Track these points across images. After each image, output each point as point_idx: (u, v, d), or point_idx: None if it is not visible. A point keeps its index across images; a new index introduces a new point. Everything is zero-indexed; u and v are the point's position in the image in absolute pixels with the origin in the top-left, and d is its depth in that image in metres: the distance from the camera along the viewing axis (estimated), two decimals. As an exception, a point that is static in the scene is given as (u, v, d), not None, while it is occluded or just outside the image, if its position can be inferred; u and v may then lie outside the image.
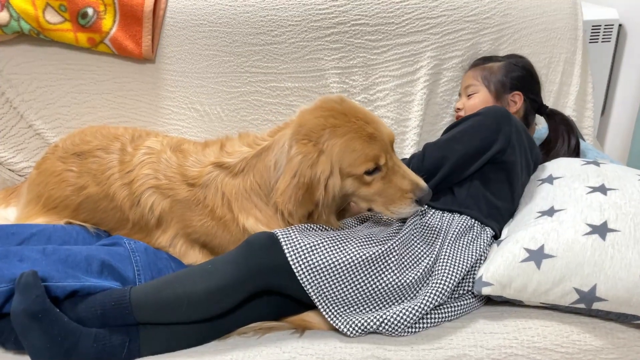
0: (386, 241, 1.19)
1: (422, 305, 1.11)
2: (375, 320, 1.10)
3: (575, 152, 1.61)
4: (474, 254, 1.23)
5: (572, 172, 1.38)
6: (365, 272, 1.13)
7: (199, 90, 1.78)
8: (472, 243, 1.25)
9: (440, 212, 1.32)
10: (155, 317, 1.10)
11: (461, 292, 1.20)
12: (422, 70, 1.85)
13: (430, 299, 1.12)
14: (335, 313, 1.12)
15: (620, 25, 2.33)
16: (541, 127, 1.77)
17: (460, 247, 1.23)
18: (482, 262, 1.24)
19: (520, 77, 1.64)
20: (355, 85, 1.84)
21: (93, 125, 1.74)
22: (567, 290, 1.12)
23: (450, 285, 1.15)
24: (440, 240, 1.24)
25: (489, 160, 1.33)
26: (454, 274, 1.16)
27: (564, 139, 1.60)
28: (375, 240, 1.19)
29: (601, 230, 1.15)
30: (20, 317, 1.01)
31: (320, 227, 1.26)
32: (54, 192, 1.40)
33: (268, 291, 1.15)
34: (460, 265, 1.18)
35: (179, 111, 1.79)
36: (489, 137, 1.33)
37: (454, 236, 1.25)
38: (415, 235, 1.24)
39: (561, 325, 1.14)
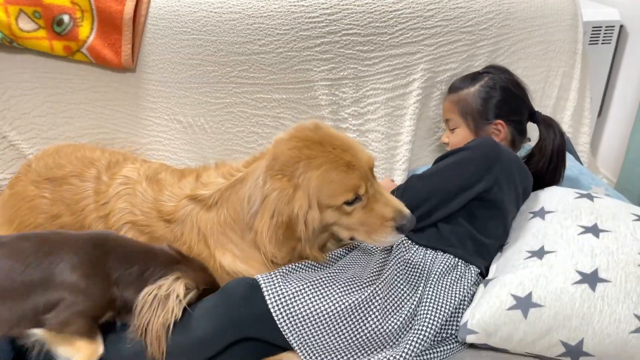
0: (370, 285, 1.15)
1: (404, 354, 1.08)
2: None
3: (561, 158, 1.55)
4: (457, 295, 1.19)
5: (565, 206, 1.33)
6: (348, 320, 1.09)
7: (182, 101, 1.70)
8: (455, 283, 1.21)
9: (424, 248, 1.28)
10: None
11: (444, 335, 1.17)
12: (415, 83, 1.78)
13: (412, 347, 1.09)
14: None
15: (621, 26, 2.28)
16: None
17: (442, 288, 1.19)
18: (466, 302, 1.21)
19: (499, 101, 1.53)
20: (345, 97, 1.77)
21: (70, 136, 1.69)
22: (554, 342, 1.09)
23: (432, 331, 1.11)
24: (423, 281, 1.20)
25: (474, 197, 1.29)
26: (436, 318, 1.13)
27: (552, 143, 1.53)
28: (358, 284, 1.15)
29: (591, 279, 1.11)
30: None
31: (304, 267, 1.21)
32: (26, 218, 1.35)
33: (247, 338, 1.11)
34: (443, 309, 1.15)
35: (161, 122, 1.72)
36: (474, 175, 1.28)
37: (436, 276, 1.21)
38: (398, 275, 1.20)
39: (546, 377, 1.11)
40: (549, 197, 1.40)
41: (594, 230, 1.22)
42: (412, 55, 1.76)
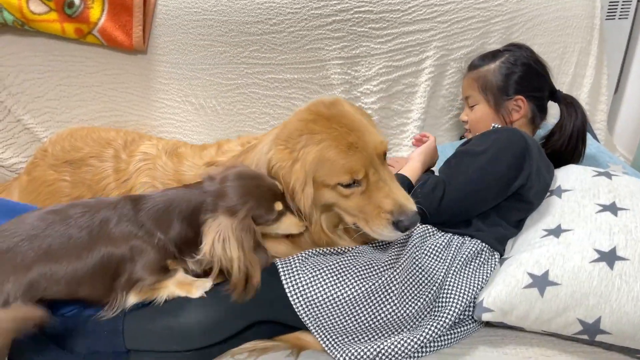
0: (387, 269, 1.14)
1: (421, 338, 1.08)
2: (372, 350, 1.07)
3: (581, 138, 1.52)
4: (479, 282, 1.18)
5: (582, 184, 1.31)
6: (365, 305, 1.09)
7: (194, 83, 1.70)
8: (478, 269, 1.20)
9: (451, 234, 1.26)
10: (146, 346, 1.07)
11: (462, 317, 1.16)
12: (427, 60, 1.76)
13: (431, 332, 1.08)
14: (333, 343, 1.09)
15: (639, 0, 2.22)
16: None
17: (466, 276, 1.18)
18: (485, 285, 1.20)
19: (520, 77, 1.51)
20: (358, 76, 1.75)
21: (83, 119, 1.69)
22: (571, 320, 1.08)
23: (453, 317, 1.11)
24: (446, 266, 1.18)
25: None
26: (458, 305, 1.12)
27: (572, 124, 1.51)
28: (376, 269, 1.14)
29: (609, 257, 1.10)
30: None
31: (323, 252, 1.21)
32: (48, 202, 1.36)
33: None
34: (465, 296, 1.14)
35: (173, 104, 1.72)
36: (508, 177, 1.24)
37: (461, 262, 1.19)
38: (418, 260, 1.18)
39: (563, 355, 1.10)
40: (566, 175, 1.38)
41: (612, 208, 1.21)
42: (425, 32, 1.74)
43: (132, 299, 1.08)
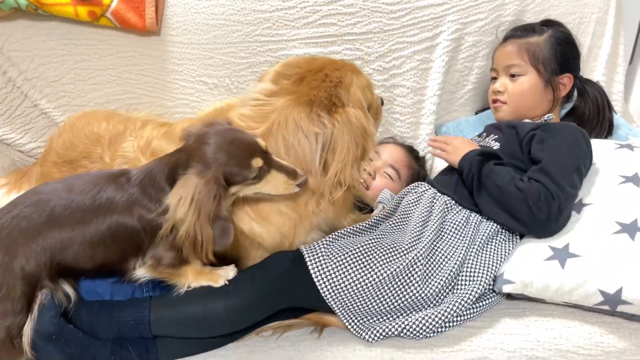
0: (410, 251, 1.15)
1: (444, 313, 1.09)
2: (397, 326, 1.09)
3: (605, 128, 1.51)
4: (502, 257, 1.18)
5: (604, 157, 1.30)
6: (390, 288, 1.11)
7: (207, 62, 1.69)
8: (501, 245, 1.21)
9: (467, 211, 1.26)
10: (172, 332, 1.09)
11: (484, 290, 1.17)
12: (442, 35, 1.73)
13: (455, 307, 1.10)
14: (359, 324, 1.11)
15: (655, -34, 2.16)
16: None
17: (489, 252, 1.19)
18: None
19: (566, 53, 1.46)
20: (370, 52, 1.73)
21: (99, 102, 1.70)
22: (592, 291, 1.08)
23: (476, 294, 1.12)
24: (467, 243, 1.19)
25: None
26: (481, 282, 1.13)
27: (596, 114, 1.50)
28: (399, 251, 1.15)
29: (631, 229, 1.10)
30: (35, 338, 1.01)
31: (346, 233, 1.22)
32: None
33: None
34: (488, 272, 1.15)
35: (187, 85, 1.72)
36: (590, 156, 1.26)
37: (483, 239, 1.20)
38: (440, 239, 1.19)
39: (584, 325, 1.11)
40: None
41: (635, 179, 1.20)
42: (439, 6, 1.71)
43: (143, 272, 1.07)
